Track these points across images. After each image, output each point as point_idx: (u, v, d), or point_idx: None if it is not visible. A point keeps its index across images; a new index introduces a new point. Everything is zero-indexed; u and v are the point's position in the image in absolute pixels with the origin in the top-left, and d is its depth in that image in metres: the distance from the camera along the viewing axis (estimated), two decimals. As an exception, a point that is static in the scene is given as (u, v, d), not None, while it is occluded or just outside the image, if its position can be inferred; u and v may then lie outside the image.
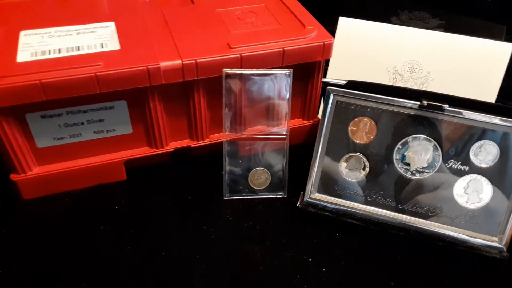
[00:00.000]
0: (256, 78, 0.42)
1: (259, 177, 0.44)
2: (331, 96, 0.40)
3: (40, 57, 0.38)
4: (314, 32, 0.43)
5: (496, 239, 0.39)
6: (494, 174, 0.39)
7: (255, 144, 0.45)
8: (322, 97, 0.44)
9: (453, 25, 0.58)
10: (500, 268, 0.39)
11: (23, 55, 0.38)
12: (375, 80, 0.41)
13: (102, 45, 0.40)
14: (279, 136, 0.44)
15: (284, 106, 0.44)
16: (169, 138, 0.45)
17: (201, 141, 0.46)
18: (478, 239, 0.39)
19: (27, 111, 0.38)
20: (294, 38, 0.42)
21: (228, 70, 0.41)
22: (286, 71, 0.41)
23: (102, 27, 0.42)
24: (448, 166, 0.39)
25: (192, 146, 0.46)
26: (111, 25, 0.43)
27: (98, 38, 0.41)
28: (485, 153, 0.38)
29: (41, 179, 0.42)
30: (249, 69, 0.41)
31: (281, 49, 0.41)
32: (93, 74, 0.36)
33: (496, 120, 0.38)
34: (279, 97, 0.43)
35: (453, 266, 0.39)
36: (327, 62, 0.51)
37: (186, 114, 0.44)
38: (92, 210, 0.42)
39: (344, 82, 0.41)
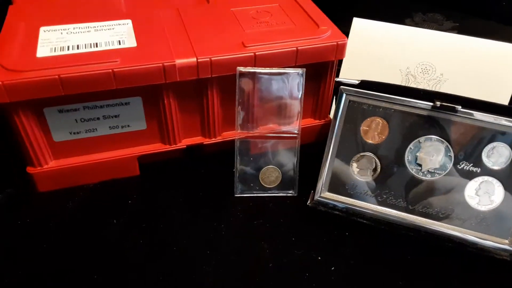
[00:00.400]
0: (269, 77, 0.42)
1: (270, 175, 0.45)
2: (344, 95, 0.41)
3: (59, 52, 0.39)
4: (328, 32, 0.43)
5: (506, 241, 0.39)
6: (506, 177, 0.38)
7: (266, 142, 0.45)
8: (334, 97, 0.44)
9: (467, 28, 0.58)
10: (510, 271, 0.39)
11: (43, 50, 0.39)
12: (388, 81, 0.41)
13: (119, 42, 0.40)
14: (291, 135, 0.44)
15: (296, 105, 0.44)
16: (182, 135, 0.45)
17: (213, 139, 0.46)
18: (489, 241, 0.39)
19: (45, 106, 0.39)
20: (308, 37, 0.43)
21: (242, 69, 0.41)
22: (299, 70, 0.42)
23: (119, 24, 0.43)
24: (460, 167, 0.39)
25: (204, 143, 0.46)
26: (128, 22, 0.44)
27: (115, 35, 0.41)
28: (497, 155, 0.38)
29: (57, 173, 0.43)
30: (262, 68, 0.42)
31: (294, 49, 0.42)
32: (110, 70, 0.37)
33: (509, 122, 0.38)
34: (292, 96, 0.44)
35: (463, 268, 0.39)
36: (340, 62, 0.51)
37: (199, 112, 0.45)
38: (105, 204, 0.43)
39: (357, 82, 0.41)
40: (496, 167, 0.39)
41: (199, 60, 0.40)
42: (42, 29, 0.42)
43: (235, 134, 0.44)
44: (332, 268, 0.39)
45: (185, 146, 0.46)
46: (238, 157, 0.44)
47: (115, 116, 0.42)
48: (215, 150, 0.47)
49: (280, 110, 0.45)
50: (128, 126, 0.43)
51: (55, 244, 0.39)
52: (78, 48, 0.39)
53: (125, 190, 0.44)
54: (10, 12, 0.45)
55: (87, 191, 0.44)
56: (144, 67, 0.38)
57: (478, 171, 0.39)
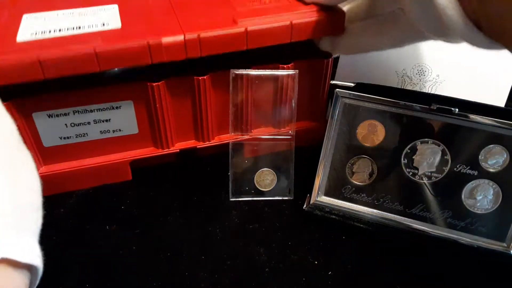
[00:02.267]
0: (263, 78, 0.42)
1: (265, 178, 0.44)
2: (340, 98, 0.40)
3: (40, 36, 0.36)
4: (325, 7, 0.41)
5: (504, 244, 0.38)
6: (503, 179, 0.38)
7: (261, 145, 0.44)
8: (330, 99, 0.43)
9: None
10: (508, 274, 0.39)
11: (23, 34, 0.37)
12: (384, 83, 0.41)
13: (103, 24, 0.38)
14: (285, 137, 0.44)
15: (290, 107, 0.43)
16: (175, 139, 0.45)
17: (207, 142, 0.46)
18: (486, 244, 0.39)
19: (34, 110, 0.38)
20: (302, 10, 0.40)
21: (236, 71, 0.40)
22: (292, 72, 0.41)
23: (105, 9, 0.41)
24: (456, 170, 0.39)
25: (198, 147, 0.46)
26: (114, 7, 0.41)
27: (99, 17, 0.39)
28: (494, 158, 0.38)
29: (47, 178, 0.42)
30: (256, 70, 0.41)
31: (288, 23, 0.39)
32: (92, 51, 0.35)
33: (505, 124, 0.37)
34: (286, 98, 0.43)
35: (460, 271, 0.39)
36: (335, 64, 0.50)
37: (192, 115, 0.44)
38: (98, 210, 0.42)
39: (353, 85, 0.40)
40: (493, 170, 0.38)
41: (186, 37, 0.37)
42: (24, 16, 0.40)
43: (229, 137, 0.43)
44: (329, 273, 0.38)
45: (178, 150, 0.45)
46: (232, 161, 0.43)
47: (106, 121, 0.41)
48: (209, 153, 0.47)
49: (274, 112, 0.45)
50: (120, 130, 0.42)
51: (47, 251, 0.38)
52: (60, 31, 0.37)
53: (117, 196, 0.44)
54: None
55: (79, 197, 0.43)
56: (128, 46, 0.36)
57: (475, 174, 0.39)
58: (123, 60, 0.36)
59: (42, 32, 0.37)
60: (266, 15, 0.39)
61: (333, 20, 0.41)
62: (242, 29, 0.38)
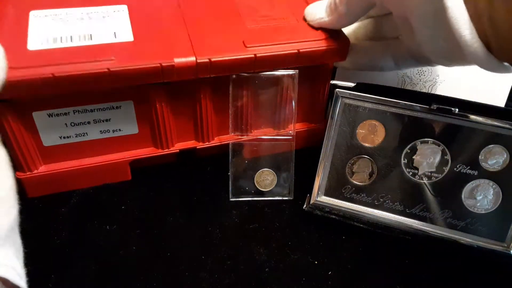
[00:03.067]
0: (263, 79, 0.42)
1: (265, 178, 0.44)
2: (340, 98, 0.40)
3: (51, 45, 0.37)
4: (330, 34, 0.42)
5: (504, 244, 0.38)
6: (503, 179, 0.38)
7: (261, 145, 0.44)
8: (330, 100, 0.43)
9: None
10: (508, 274, 0.39)
11: (34, 41, 0.37)
12: (384, 83, 0.41)
13: (114, 35, 0.39)
14: (286, 137, 0.44)
15: (290, 108, 0.43)
16: (175, 139, 0.45)
17: (207, 142, 0.46)
18: (487, 244, 0.39)
19: (34, 110, 0.38)
20: (310, 39, 0.41)
21: (236, 72, 0.40)
22: (292, 72, 0.41)
23: (114, 11, 0.41)
24: (456, 170, 0.39)
25: (198, 147, 0.46)
26: (124, 9, 0.42)
27: (110, 25, 0.39)
28: (494, 158, 0.38)
29: (47, 178, 0.42)
30: (256, 70, 0.41)
31: (296, 51, 0.40)
32: (106, 70, 0.35)
33: (505, 124, 0.37)
34: (286, 98, 0.43)
35: (460, 271, 0.39)
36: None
37: (192, 115, 0.44)
38: (98, 210, 0.42)
39: (353, 85, 0.40)
40: (493, 170, 0.38)
41: (198, 60, 0.38)
42: (32, 13, 0.39)
43: (229, 137, 0.43)
44: (329, 273, 0.38)
45: (178, 150, 0.45)
46: (232, 161, 0.43)
47: (106, 120, 0.41)
48: (209, 154, 0.47)
49: (274, 113, 0.45)
50: (120, 130, 0.42)
51: (46, 251, 0.38)
52: (71, 40, 0.37)
53: (117, 195, 0.44)
54: None
55: (78, 197, 0.43)
56: (141, 67, 0.36)
57: (475, 174, 0.39)
58: (135, 78, 0.37)
59: (53, 40, 0.37)
60: (274, 41, 0.40)
61: (338, 49, 0.42)
62: (252, 55, 0.39)
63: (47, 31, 0.38)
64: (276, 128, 0.46)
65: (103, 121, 0.41)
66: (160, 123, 0.42)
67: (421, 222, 0.40)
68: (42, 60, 0.35)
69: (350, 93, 0.40)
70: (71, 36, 0.38)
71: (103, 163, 0.43)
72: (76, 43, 0.37)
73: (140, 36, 0.39)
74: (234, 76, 0.41)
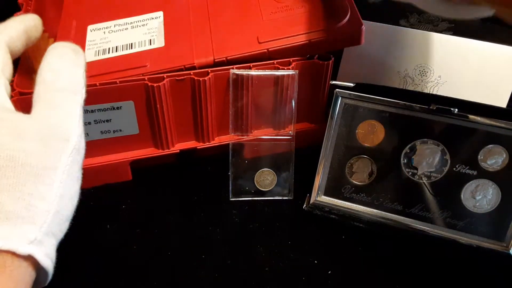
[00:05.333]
0: (263, 79, 0.42)
1: (265, 178, 0.44)
2: (339, 98, 0.40)
3: (101, 56, 0.41)
4: (346, 18, 0.42)
5: (504, 244, 0.38)
6: (502, 179, 0.38)
7: (261, 145, 0.45)
8: (330, 100, 0.43)
9: (462, 28, 0.58)
10: (507, 274, 0.39)
11: (89, 54, 0.41)
12: (386, 83, 0.41)
13: (150, 42, 0.42)
14: (285, 137, 0.44)
15: (290, 108, 0.43)
16: (175, 139, 0.45)
17: (207, 143, 0.46)
18: (486, 244, 0.39)
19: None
20: (322, 29, 0.42)
21: (236, 71, 0.40)
22: (292, 72, 0.41)
23: (152, 18, 0.44)
24: (456, 170, 0.39)
25: (198, 147, 0.46)
26: (160, 15, 0.44)
27: (148, 32, 0.43)
28: (493, 158, 0.38)
29: (48, 178, 0.42)
30: (256, 70, 0.41)
31: (307, 41, 0.41)
32: (141, 76, 0.39)
33: (504, 124, 0.37)
34: (286, 98, 0.43)
35: (460, 270, 0.39)
36: (336, 64, 0.50)
37: (192, 116, 0.44)
38: (98, 210, 0.42)
39: (353, 85, 0.40)
40: (492, 170, 0.38)
41: (216, 60, 0.41)
42: (89, 28, 0.43)
43: (229, 138, 0.44)
44: (329, 272, 0.38)
45: (178, 151, 0.45)
46: (232, 161, 0.43)
47: (107, 121, 0.41)
48: (209, 154, 0.47)
49: (274, 113, 0.45)
50: (120, 130, 0.42)
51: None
52: (116, 50, 0.41)
53: (118, 196, 0.44)
54: (64, 8, 0.45)
55: (79, 197, 0.43)
56: (167, 69, 0.40)
57: (474, 174, 0.39)
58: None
59: (103, 52, 0.42)
60: (286, 34, 0.42)
61: (351, 34, 0.42)
62: (265, 50, 0.42)
63: (99, 43, 0.42)
64: (276, 128, 0.46)
65: (103, 122, 0.41)
66: (160, 123, 0.42)
67: (421, 222, 0.40)
68: (93, 71, 0.39)
69: (350, 93, 0.40)
70: (116, 47, 0.42)
71: (103, 163, 0.43)
72: (120, 53, 0.41)
73: (170, 41, 0.42)
74: (234, 75, 0.41)
